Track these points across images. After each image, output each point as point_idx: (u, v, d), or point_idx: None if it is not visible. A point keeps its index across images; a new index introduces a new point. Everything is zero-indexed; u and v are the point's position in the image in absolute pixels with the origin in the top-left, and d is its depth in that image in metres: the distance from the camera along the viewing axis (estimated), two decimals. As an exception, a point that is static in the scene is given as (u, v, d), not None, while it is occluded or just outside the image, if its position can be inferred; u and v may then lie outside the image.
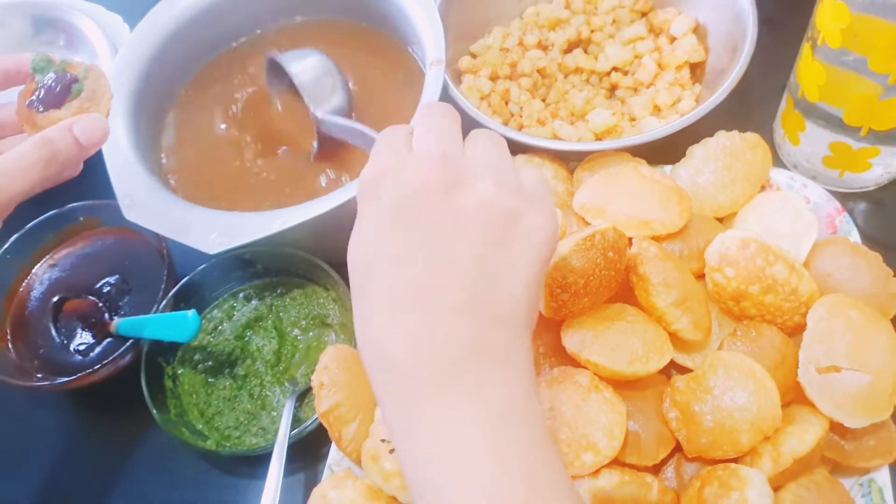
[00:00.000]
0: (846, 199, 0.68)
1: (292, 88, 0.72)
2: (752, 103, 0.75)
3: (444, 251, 0.39)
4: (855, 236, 0.61)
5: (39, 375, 0.68)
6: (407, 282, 0.39)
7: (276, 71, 0.73)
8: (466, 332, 0.38)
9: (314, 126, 0.70)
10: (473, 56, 0.79)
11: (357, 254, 0.41)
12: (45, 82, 0.52)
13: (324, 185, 0.71)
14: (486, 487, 0.35)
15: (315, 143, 0.71)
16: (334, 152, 0.72)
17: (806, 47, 0.63)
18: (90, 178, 0.79)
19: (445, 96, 0.69)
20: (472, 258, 0.39)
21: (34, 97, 0.52)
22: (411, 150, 0.43)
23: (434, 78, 0.67)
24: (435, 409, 0.36)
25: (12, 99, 0.54)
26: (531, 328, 0.41)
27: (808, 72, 0.63)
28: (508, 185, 0.41)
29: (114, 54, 0.86)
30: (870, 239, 0.62)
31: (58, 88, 0.52)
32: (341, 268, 0.66)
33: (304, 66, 0.71)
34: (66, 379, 0.65)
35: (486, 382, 0.37)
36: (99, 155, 0.68)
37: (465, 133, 0.46)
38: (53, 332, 0.70)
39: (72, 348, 0.69)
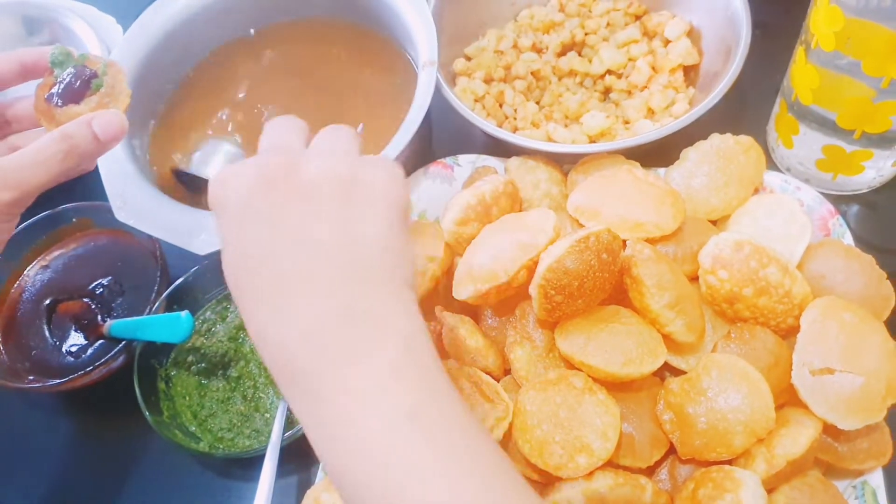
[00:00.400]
0: (839, 201, 0.68)
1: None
2: (746, 106, 0.75)
3: (299, 233, 0.39)
4: (848, 239, 0.61)
5: (31, 377, 0.67)
6: (270, 277, 0.38)
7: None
8: (340, 303, 0.38)
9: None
10: (468, 58, 0.79)
11: (224, 266, 0.40)
12: (65, 77, 0.52)
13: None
14: (417, 465, 0.35)
15: None
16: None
17: (799, 50, 0.64)
18: (82, 179, 0.79)
19: (440, 98, 0.69)
20: (326, 231, 0.39)
21: (53, 91, 0.52)
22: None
23: (427, 79, 0.67)
24: (332, 393, 0.36)
25: (29, 92, 0.54)
26: (408, 281, 0.40)
27: (802, 75, 0.63)
28: (340, 153, 0.42)
29: (106, 56, 0.86)
30: (863, 241, 0.63)
31: (77, 83, 0.52)
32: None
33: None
34: (58, 381, 0.64)
35: (373, 349, 0.37)
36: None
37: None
38: (47, 333, 0.70)
39: (64, 350, 0.69)
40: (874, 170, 0.67)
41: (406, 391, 0.36)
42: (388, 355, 0.37)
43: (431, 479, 0.35)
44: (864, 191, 0.70)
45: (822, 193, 0.64)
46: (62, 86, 0.52)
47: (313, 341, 0.37)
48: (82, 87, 0.52)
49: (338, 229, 0.39)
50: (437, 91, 0.67)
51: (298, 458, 0.63)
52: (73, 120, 0.51)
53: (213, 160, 0.72)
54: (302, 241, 0.39)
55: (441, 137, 0.77)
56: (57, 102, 0.52)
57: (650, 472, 0.54)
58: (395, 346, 0.37)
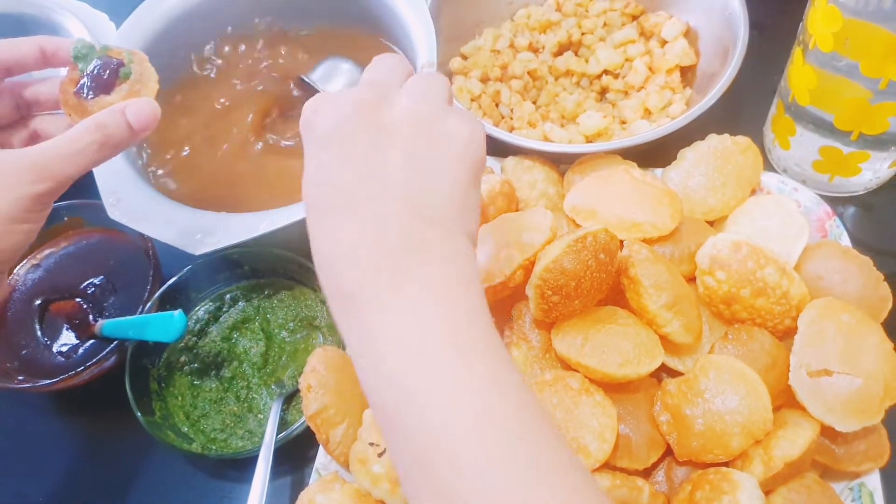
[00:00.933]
0: (836, 203, 0.68)
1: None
2: (743, 107, 0.75)
3: (372, 161, 0.39)
4: (845, 240, 0.61)
5: (21, 377, 0.66)
6: (338, 194, 0.39)
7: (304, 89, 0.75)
8: (398, 230, 0.38)
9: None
10: (464, 57, 0.79)
11: (303, 185, 0.41)
12: (92, 69, 0.52)
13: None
14: (451, 388, 0.34)
15: None
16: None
17: (797, 51, 0.64)
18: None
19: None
20: (399, 164, 0.39)
21: (82, 84, 0.52)
22: None
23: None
24: (379, 313, 0.36)
25: (45, 75, 0.54)
26: (470, 236, 0.40)
27: (799, 76, 0.63)
28: (430, 99, 0.42)
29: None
30: (860, 243, 0.62)
31: (105, 74, 0.52)
32: (330, 269, 0.66)
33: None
34: (49, 381, 0.64)
35: (426, 277, 0.37)
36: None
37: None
38: (38, 333, 0.69)
39: (55, 350, 0.68)
40: (871, 171, 0.67)
41: (450, 318, 0.36)
42: (444, 289, 0.37)
43: (462, 402, 0.34)
44: (860, 192, 0.70)
45: (819, 194, 0.64)
46: (90, 78, 0.52)
47: (364, 259, 0.37)
48: (111, 77, 0.52)
49: (410, 167, 0.39)
50: (434, 90, 0.67)
51: (292, 458, 0.62)
52: (106, 109, 0.51)
53: (334, 78, 0.74)
54: (372, 167, 0.39)
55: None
56: (88, 95, 0.52)
57: (647, 473, 0.53)
58: (450, 283, 0.37)
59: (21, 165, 0.47)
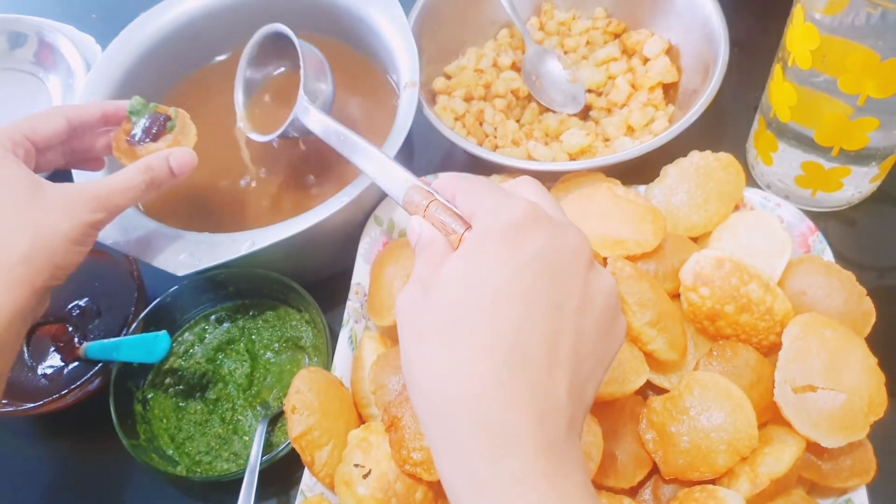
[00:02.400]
0: (819, 218, 0.68)
1: (277, 77, 0.72)
2: (725, 124, 0.76)
3: (570, 319, 0.38)
4: (828, 255, 0.61)
5: (4, 401, 0.66)
6: (527, 338, 0.37)
7: (271, 49, 0.71)
8: (568, 406, 0.37)
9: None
10: (448, 77, 0.79)
11: (467, 284, 0.38)
12: (145, 121, 0.62)
13: (296, 204, 0.70)
14: None
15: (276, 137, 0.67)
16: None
17: (777, 68, 0.64)
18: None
19: (420, 117, 0.68)
20: (591, 338, 0.39)
21: (134, 133, 0.61)
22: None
23: (408, 100, 0.67)
24: (544, 481, 0.35)
25: None
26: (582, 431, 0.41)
27: (780, 92, 0.64)
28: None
29: (87, 71, 0.86)
30: (843, 258, 0.63)
31: (154, 126, 0.62)
32: (315, 289, 0.66)
33: (308, 48, 0.67)
34: (33, 405, 0.63)
35: (575, 460, 0.37)
36: (68, 174, 0.67)
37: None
38: (26, 356, 0.68)
39: (39, 373, 0.68)
40: (853, 186, 0.68)
41: None
42: (583, 476, 0.37)
43: None
44: (843, 207, 0.71)
45: (802, 210, 0.64)
46: (142, 128, 0.61)
47: (543, 427, 0.36)
48: (160, 128, 0.62)
49: (594, 347, 0.39)
50: (418, 110, 0.67)
51: (278, 481, 0.62)
52: (153, 154, 0.60)
53: (306, 46, 0.67)
54: (569, 329, 0.38)
55: (421, 156, 0.77)
56: (139, 142, 0.61)
57: (633, 492, 0.53)
58: (584, 469, 0.38)
59: (85, 196, 0.54)
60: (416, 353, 0.39)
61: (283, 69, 0.73)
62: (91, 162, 0.66)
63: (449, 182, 0.45)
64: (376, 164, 0.54)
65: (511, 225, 0.39)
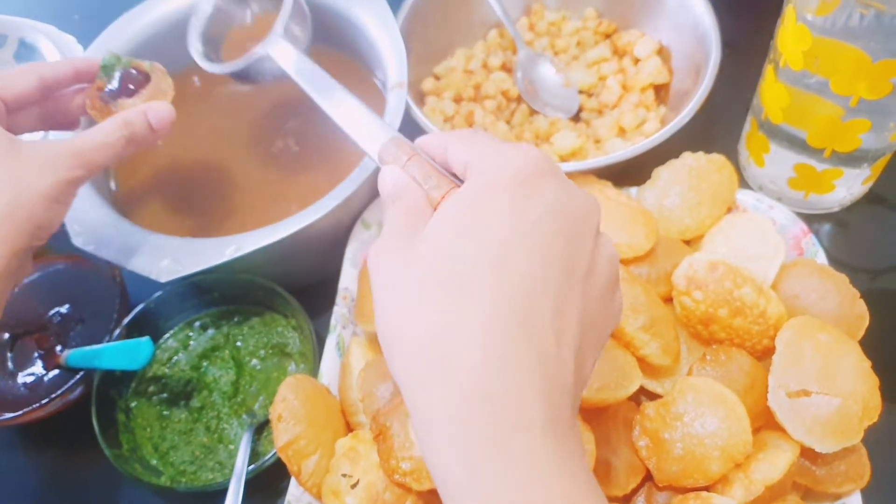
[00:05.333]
0: (812, 219, 0.68)
1: (254, 18, 0.66)
2: (717, 125, 0.75)
3: (579, 283, 0.34)
4: (821, 257, 0.61)
5: (-18, 411, 0.64)
6: (537, 301, 0.33)
7: None
8: (575, 382, 0.34)
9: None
10: (437, 78, 0.79)
11: (469, 233, 0.34)
12: (119, 77, 0.59)
13: (282, 207, 0.69)
14: None
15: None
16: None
17: (768, 69, 0.64)
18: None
19: (408, 118, 0.67)
20: (594, 308, 0.35)
21: (107, 90, 0.59)
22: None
23: (396, 101, 0.66)
24: (545, 460, 0.31)
25: None
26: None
27: (771, 94, 0.63)
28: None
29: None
30: (836, 260, 0.62)
31: (128, 81, 0.59)
32: (301, 294, 0.65)
33: None
34: (12, 415, 0.62)
35: (578, 440, 0.34)
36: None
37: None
38: (10, 364, 0.67)
39: (20, 381, 0.66)
40: (845, 188, 0.67)
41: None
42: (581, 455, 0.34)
43: None
44: (835, 209, 0.70)
45: (795, 212, 0.64)
46: (116, 85, 0.59)
47: (553, 402, 0.33)
48: (133, 84, 0.59)
49: (595, 318, 0.36)
50: (406, 112, 0.66)
51: (264, 491, 0.61)
52: (129, 109, 0.57)
53: None
54: (576, 296, 0.34)
55: (410, 158, 0.76)
56: (113, 97, 0.58)
57: (627, 500, 0.53)
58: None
59: (62, 153, 0.52)
60: (399, 310, 0.34)
61: (259, 13, 0.67)
62: (67, 125, 0.63)
63: (437, 137, 0.40)
64: (352, 113, 0.47)
65: (521, 173, 0.35)
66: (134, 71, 0.60)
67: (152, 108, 0.57)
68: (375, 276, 0.36)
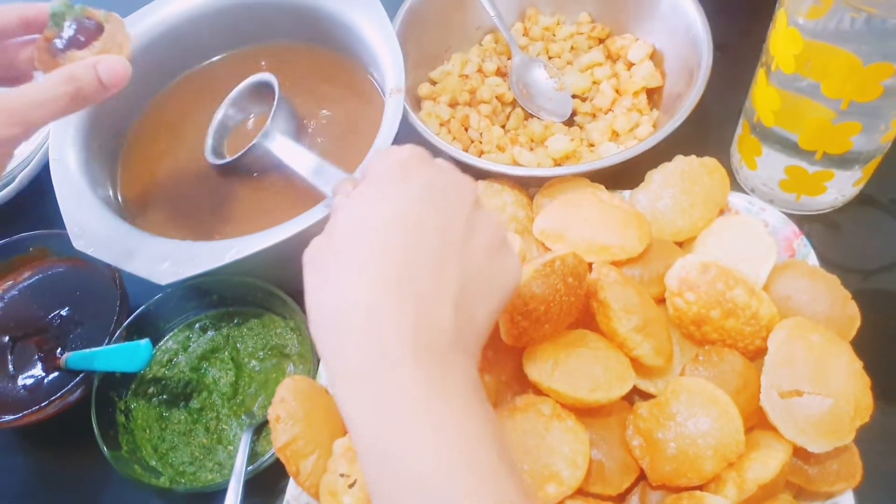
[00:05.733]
0: (803, 222, 0.69)
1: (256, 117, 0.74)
2: (710, 128, 0.76)
3: (456, 245, 0.40)
4: (813, 259, 0.61)
5: (-17, 413, 0.65)
6: (415, 256, 0.39)
7: (254, 96, 0.75)
8: (453, 322, 0.39)
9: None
10: (433, 82, 0.79)
11: (362, 216, 0.41)
12: (68, 25, 0.54)
13: (282, 211, 0.69)
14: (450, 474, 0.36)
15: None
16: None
17: (760, 73, 0.64)
18: (39, 206, 0.78)
19: (405, 122, 0.68)
20: (477, 262, 0.41)
21: (55, 41, 0.54)
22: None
23: (394, 107, 0.66)
24: (424, 389, 0.37)
25: None
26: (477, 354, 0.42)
27: (763, 97, 0.64)
28: (503, 234, 0.44)
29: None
30: (827, 261, 0.63)
31: (79, 32, 0.54)
32: (299, 296, 0.65)
33: (284, 100, 0.72)
34: (13, 417, 0.62)
35: (460, 368, 0.39)
36: (49, 183, 0.67)
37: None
38: (10, 367, 0.67)
39: (20, 383, 0.67)
40: (836, 190, 0.68)
41: (479, 428, 0.38)
42: (472, 382, 0.39)
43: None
44: (827, 211, 0.71)
45: (787, 214, 0.64)
46: (65, 33, 0.54)
47: (421, 337, 0.38)
48: (85, 35, 0.54)
49: (479, 274, 0.41)
50: (403, 116, 0.67)
51: (263, 491, 0.61)
52: (78, 62, 0.52)
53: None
54: (456, 253, 0.40)
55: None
56: (60, 49, 0.53)
57: (621, 499, 0.53)
58: (475, 378, 0.40)
59: None
60: (315, 285, 0.41)
61: (261, 114, 0.75)
62: (15, 80, 0.58)
63: None
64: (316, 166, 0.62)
65: (399, 163, 0.42)
66: (88, 20, 0.55)
67: (104, 62, 0.52)
68: (305, 262, 0.42)
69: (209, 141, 0.74)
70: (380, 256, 0.39)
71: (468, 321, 0.40)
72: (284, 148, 0.68)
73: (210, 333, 0.69)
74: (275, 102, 0.70)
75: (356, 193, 0.42)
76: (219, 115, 0.75)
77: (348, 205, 0.42)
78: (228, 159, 0.71)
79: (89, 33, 0.54)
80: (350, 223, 0.41)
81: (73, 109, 0.52)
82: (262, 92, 0.74)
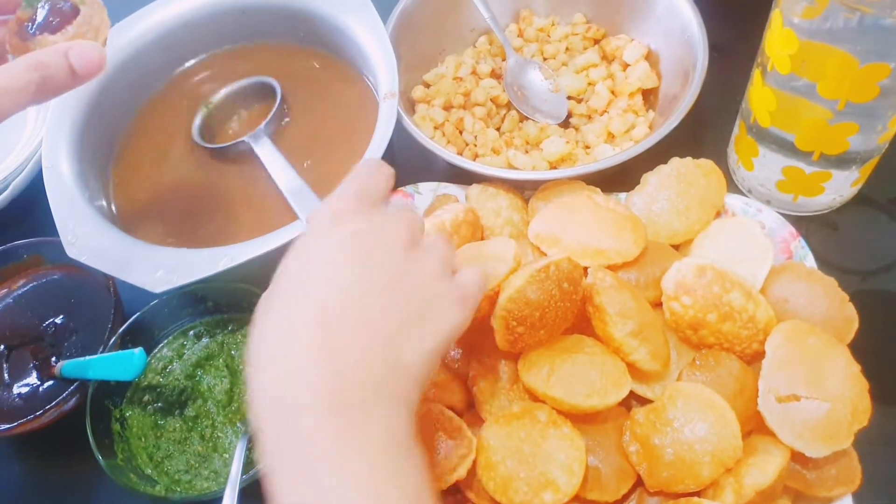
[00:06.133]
0: (800, 222, 0.68)
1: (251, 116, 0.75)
2: (706, 129, 0.75)
3: (376, 294, 0.42)
4: (810, 261, 0.61)
5: (-22, 422, 0.64)
6: (338, 303, 0.41)
7: (253, 92, 0.76)
8: (368, 367, 0.40)
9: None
10: (427, 85, 0.79)
11: (298, 259, 0.43)
12: (41, 6, 0.50)
13: (275, 218, 0.69)
14: None
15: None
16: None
17: (756, 73, 0.64)
18: (33, 214, 0.78)
19: (399, 126, 0.68)
20: (406, 307, 0.42)
21: (27, 24, 0.50)
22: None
23: (388, 111, 0.66)
24: (333, 439, 0.38)
25: None
26: (415, 403, 0.42)
27: (759, 97, 0.63)
28: (447, 271, 0.46)
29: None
30: (825, 263, 0.62)
31: (53, 13, 0.50)
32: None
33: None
34: (7, 426, 0.62)
35: (381, 418, 0.39)
36: (42, 190, 0.66)
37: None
38: (6, 375, 0.67)
39: (14, 392, 0.66)
40: (834, 190, 0.67)
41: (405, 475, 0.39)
42: (395, 431, 0.40)
43: None
44: (824, 211, 0.70)
45: (784, 215, 0.64)
46: (38, 16, 0.50)
47: (345, 390, 0.39)
48: (58, 18, 0.50)
49: (409, 323, 0.42)
50: (397, 120, 0.67)
51: (259, 499, 0.60)
52: (47, 48, 0.48)
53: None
54: (383, 305, 0.42)
55: (401, 165, 0.75)
56: (31, 34, 0.49)
57: (618, 505, 0.53)
58: (400, 426, 0.40)
59: None
60: (253, 334, 0.42)
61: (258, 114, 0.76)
62: None
63: None
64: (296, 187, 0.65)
65: (332, 215, 0.45)
66: (63, 2, 0.50)
67: (76, 48, 0.48)
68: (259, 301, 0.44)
69: (197, 120, 0.76)
70: (304, 305, 0.41)
71: (393, 367, 0.40)
72: (270, 156, 0.70)
73: (205, 340, 0.68)
74: (275, 107, 0.69)
75: (297, 243, 0.45)
76: (215, 98, 0.77)
77: (289, 254, 0.44)
78: (211, 145, 0.73)
79: (63, 16, 0.50)
80: (286, 274, 0.43)
81: (42, 99, 0.48)
82: (262, 94, 0.74)
